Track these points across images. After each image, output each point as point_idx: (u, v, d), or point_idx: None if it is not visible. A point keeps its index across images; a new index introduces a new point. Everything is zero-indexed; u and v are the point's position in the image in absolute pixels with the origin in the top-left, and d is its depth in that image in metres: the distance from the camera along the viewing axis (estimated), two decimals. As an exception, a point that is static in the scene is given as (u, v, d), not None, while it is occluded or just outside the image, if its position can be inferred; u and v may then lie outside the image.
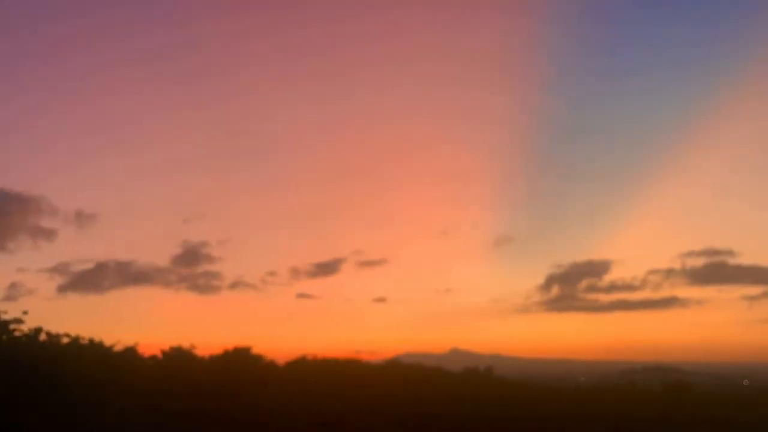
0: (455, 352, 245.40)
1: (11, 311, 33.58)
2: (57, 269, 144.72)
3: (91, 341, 38.21)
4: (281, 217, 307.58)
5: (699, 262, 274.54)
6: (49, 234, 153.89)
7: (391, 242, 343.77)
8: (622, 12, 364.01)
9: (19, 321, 33.56)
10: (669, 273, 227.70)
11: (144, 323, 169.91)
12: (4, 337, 32.54)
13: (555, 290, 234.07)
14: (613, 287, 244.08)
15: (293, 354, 51.53)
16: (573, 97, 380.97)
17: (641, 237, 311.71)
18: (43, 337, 35.24)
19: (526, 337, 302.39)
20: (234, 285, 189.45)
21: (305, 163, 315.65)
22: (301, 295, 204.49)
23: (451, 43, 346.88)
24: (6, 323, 32.98)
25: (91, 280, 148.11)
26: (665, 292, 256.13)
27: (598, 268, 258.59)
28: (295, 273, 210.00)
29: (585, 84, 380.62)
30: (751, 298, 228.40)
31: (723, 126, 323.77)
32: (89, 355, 36.01)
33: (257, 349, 45.09)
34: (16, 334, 33.37)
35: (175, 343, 43.80)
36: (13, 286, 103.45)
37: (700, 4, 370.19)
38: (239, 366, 41.93)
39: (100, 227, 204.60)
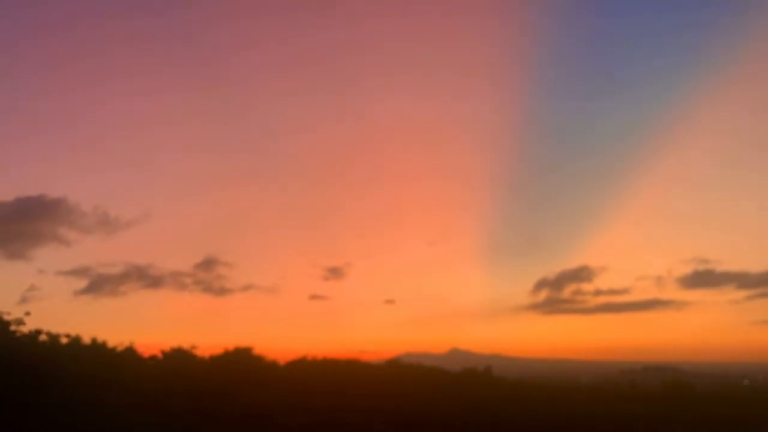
0: (455, 352, 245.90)
1: (27, 313, 33.67)
2: (75, 272, 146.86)
3: (91, 341, 38.22)
4: (290, 221, 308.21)
5: (690, 267, 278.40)
6: (68, 238, 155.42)
7: (392, 245, 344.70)
8: (618, 15, 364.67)
9: (20, 321, 33.56)
10: (665, 277, 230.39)
11: (156, 325, 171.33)
12: (5, 337, 32.51)
13: (554, 292, 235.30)
14: (610, 290, 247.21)
15: (297, 354, 51.68)
16: (566, 105, 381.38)
17: (637, 243, 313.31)
18: (43, 337, 35.24)
19: (525, 338, 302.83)
20: (246, 288, 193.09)
21: (308, 168, 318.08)
22: (312, 297, 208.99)
23: (445, 51, 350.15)
24: (7, 323, 32.96)
25: (106, 283, 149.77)
26: (662, 295, 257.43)
27: (595, 272, 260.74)
28: (303, 276, 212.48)
29: (579, 91, 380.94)
30: (745, 300, 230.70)
31: (716, 133, 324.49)
32: (89, 355, 36.02)
33: (263, 349, 45.42)
34: (17, 334, 33.36)
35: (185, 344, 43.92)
36: (31, 288, 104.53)
37: (686, 7, 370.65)
38: (239, 366, 41.93)
39: (116, 232, 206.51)
